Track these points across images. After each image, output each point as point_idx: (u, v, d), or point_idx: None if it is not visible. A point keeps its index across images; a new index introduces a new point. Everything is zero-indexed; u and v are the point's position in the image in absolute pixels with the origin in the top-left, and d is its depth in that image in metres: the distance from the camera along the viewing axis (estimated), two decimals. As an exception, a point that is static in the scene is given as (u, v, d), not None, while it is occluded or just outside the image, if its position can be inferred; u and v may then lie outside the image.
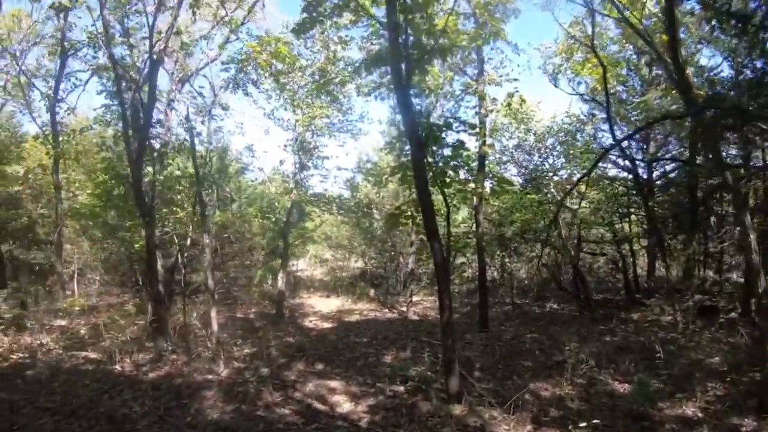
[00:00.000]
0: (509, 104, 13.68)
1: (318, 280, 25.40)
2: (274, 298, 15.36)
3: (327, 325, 14.28)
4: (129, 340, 9.59)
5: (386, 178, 17.55)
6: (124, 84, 9.11)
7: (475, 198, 12.70)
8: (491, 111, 13.41)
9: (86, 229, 12.79)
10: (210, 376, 7.73)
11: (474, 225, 13.45)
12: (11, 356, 8.92)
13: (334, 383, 7.79)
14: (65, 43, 12.50)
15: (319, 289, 21.77)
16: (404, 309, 16.48)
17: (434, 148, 7.96)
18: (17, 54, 13.39)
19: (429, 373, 8.09)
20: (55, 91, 12.50)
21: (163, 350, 8.47)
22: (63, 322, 11.28)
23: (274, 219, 15.44)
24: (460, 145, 8.37)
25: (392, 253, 23.94)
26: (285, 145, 15.76)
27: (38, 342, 9.73)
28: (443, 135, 7.97)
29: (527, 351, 10.17)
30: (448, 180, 8.98)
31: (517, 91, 13.28)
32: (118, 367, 8.36)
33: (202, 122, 12.26)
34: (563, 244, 15.97)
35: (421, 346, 10.68)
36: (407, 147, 8.57)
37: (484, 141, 12.65)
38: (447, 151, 8.49)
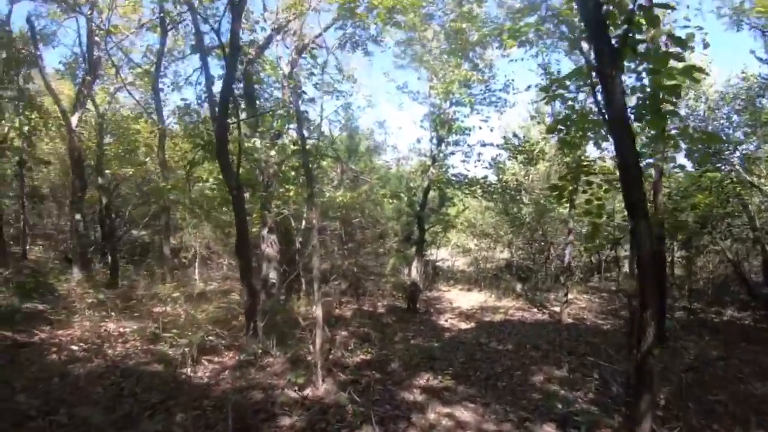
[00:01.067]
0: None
1: (459, 271, 23.56)
2: (407, 290, 13.85)
3: (465, 325, 12.42)
4: (223, 336, 8.44)
5: (543, 138, 15.13)
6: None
7: (653, 170, 9.92)
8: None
9: (210, 210, 12.19)
10: (298, 393, 6.06)
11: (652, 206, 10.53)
12: (72, 346, 7.55)
13: (464, 414, 5.89)
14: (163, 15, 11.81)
15: (460, 282, 19.91)
16: (557, 310, 14.07)
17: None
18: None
19: (595, 409, 5.94)
20: (157, 67, 11.99)
21: (252, 353, 7.15)
22: (164, 308, 10.22)
23: (407, 200, 13.81)
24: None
25: (542, 243, 21.32)
26: (421, 120, 14.15)
27: (118, 331, 8.61)
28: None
29: (720, 379, 7.51)
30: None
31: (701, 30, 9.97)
32: (189, 371, 6.74)
33: (320, 92, 11.07)
34: (756, 236, 12.53)
35: (582, 363, 8.43)
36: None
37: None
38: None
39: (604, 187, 6.66)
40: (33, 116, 14.42)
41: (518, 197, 18.05)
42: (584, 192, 6.80)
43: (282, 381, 6.39)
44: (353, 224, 15.65)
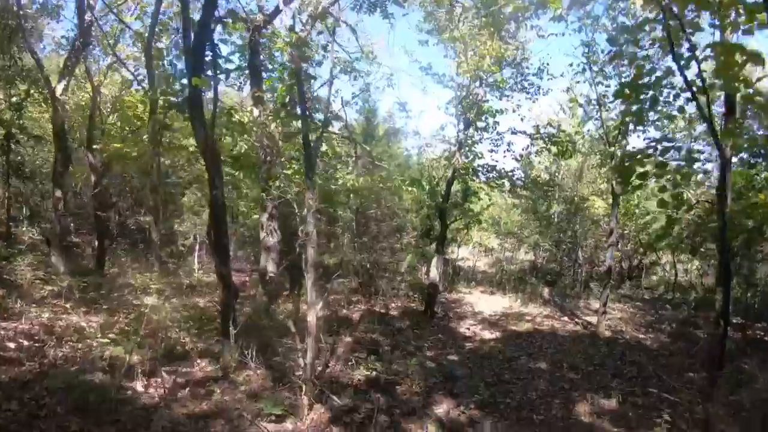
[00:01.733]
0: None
1: (481, 272, 22.00)
2: (425, 291, 12.38)
3: (488, 334, 10.90)
4: (198, 340, 7.02)
5: (577, 132, 13.51)
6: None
7: (718, 154, 8.18)
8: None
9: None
10: (276, 427, 4.62)
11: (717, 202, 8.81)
12: (8, 343, 5.98)
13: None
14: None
15: (482, 283, 18.35)
16: (590, 320, 12.52)
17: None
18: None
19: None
20: (151, 30, 10.54)
21: (225, 365, 5.66)
22: (142, 302, 8.53)
23: (428, 189, 12.25)
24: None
25: (571, 245, 19.65)
26: (446, 104, 12.66)
27: (79, 325, 6.93)
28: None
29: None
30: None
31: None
32: (138, 385, 5.28)
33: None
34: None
35: (633, 391, 6.88)
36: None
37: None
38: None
39: (684, 170, 5.09)
40: (23, 87, 13.41)
41: (549, 193, 16.43)
42: (657, 177, 5.23)
43: (256, 406, 4.92)
44: (368, 216, 14.20)
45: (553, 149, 13.45)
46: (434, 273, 11.77)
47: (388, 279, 13.52)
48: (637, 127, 10.46)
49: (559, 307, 14.63)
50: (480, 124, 12.24)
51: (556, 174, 17.08)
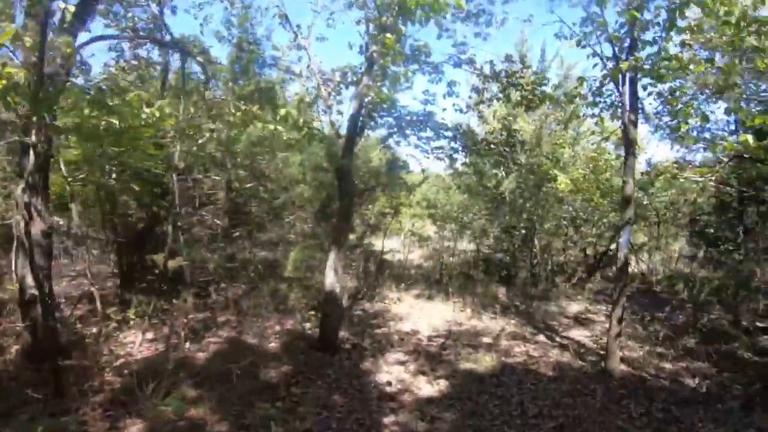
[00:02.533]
0: None
1: (415, 266, 17.45)
2: (320, 308, 7.60)
3: (427, 386, 6.17)
4: None
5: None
6: None
7: None
8: None
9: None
10: None
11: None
12: None
13: None
14: None
15: (417, 283, 13.73)
16: (580, 338, 8.24)
17: None
18: None
19: None
20: None
21: None
22: None
23: (319, 138, 7.11)
24: None
25: (526, 230, 15.31)
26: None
27: None
28: None
29: None
30: None
31: None
32: None
33: None
34: None
35: None
36: None
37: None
38: None
39: None
40: None
41: (503, 160, 11.89)
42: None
43: None
44: (243, 191, 9.21)
45: (514, 95, 9.06)
46: (331, 280, 6.83)
47: (272, 287, 8.58)
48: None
49: (526, 315, 10.23)
50: (404, 47, 7.49)
51: (515, 134, 12.52)
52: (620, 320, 6.55)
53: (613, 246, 16.31)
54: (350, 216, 7.41)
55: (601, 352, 7.32)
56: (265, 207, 8.93)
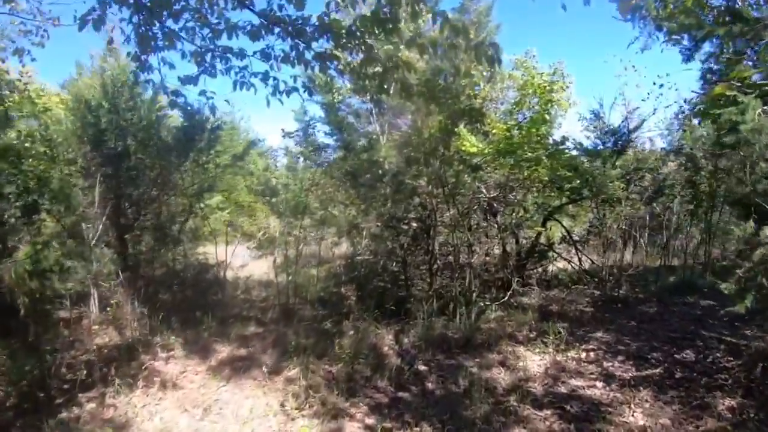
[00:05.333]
0: None
1: (255, 282, 11.33)
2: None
3: None
4: None
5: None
6: None
7: None
8: None
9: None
10: None
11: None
12: None
13: None
14: None
15: (250, 321, 7.63)
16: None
17: None
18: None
19: None
20: None
21: None
22: None
23: None
24: None
25: (423, 223, 9.49)
26: None
27: None
28: None
29: None
30: None
31: None
32: None
33: None
34: None
35: None
36: None
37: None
38: None
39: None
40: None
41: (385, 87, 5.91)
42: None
43: None
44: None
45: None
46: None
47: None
48: None
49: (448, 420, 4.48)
50: None
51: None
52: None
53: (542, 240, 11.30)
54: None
55: None
56: None
